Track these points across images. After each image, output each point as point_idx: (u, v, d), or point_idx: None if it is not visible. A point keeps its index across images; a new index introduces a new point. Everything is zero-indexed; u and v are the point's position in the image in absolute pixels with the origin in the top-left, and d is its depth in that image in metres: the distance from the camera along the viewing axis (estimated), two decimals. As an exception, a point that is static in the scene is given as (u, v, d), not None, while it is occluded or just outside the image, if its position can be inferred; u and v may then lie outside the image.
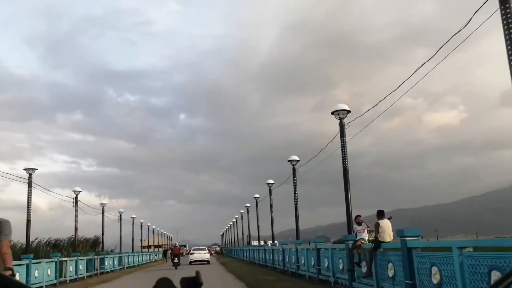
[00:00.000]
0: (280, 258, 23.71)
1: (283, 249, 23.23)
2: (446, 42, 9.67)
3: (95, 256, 28.62)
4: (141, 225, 59.71)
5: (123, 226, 46.78)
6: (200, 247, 44.92)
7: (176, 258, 35.36)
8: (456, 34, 9.26)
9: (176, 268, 32.30)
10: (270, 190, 31.49)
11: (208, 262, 39.51)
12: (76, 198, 28.47)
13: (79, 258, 25.01)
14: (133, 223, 51.98)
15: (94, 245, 36.44)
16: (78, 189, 29.00)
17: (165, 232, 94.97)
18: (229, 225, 79.20)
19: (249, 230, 49.26)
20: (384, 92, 12.25)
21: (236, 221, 62.30)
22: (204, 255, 40.70)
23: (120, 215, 46.38)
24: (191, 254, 42.39)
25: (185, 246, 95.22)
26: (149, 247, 74.23)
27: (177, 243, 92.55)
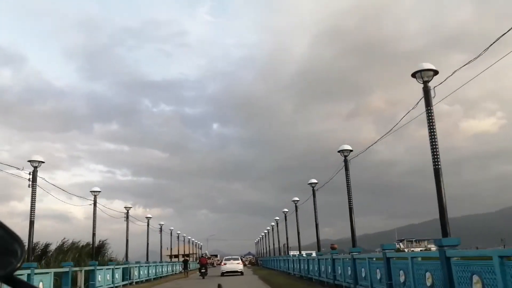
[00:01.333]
0: (329, 270, 20.82)
1: (333, 259, 20.28)
2: (488, 47, 9.26)
3: (78, 269, 20.65)
4: (171, 232, 55.71)
5: (157, 235, 45.62)
6: (233, 257, 42.54)
7: (203, 268, 34.85)
8: (498, 39, 8.93)
9: (203, 278, 31.94)
10: (313, 190, 26.88)
11: (241, 273, 37.14)
12: (127, 214, 31.05)
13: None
14: (161, 230, 48.48)
15: (97, 253, 28.85)
16: (129, 205, 31.99)
17: (195, 241, 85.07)
18: (263, 233, 74.20)
19: (287, 238, 46.01)
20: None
21: (272, 228, 61.36)
22: (237, 265, 38.35)
23: (161, 227, 46.70)
24: (223, 264, 39.59)
25: (216, 255, 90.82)
26: (177, 256, 72.00)
27: (207, 252, 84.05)
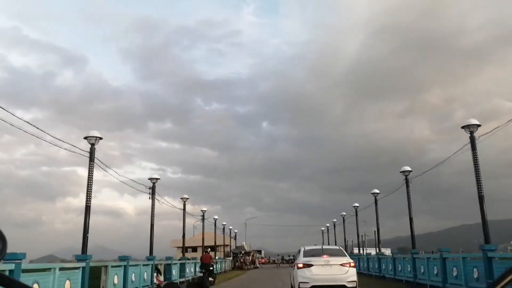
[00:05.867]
0: (409, 268, 21.26)
1: (413, 258, 20.61)
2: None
3: (161, 262, 22.20)
4: (215, 223, 43.84)
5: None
6: (327, 248, 18.02)
7: (204, 270, 23.15)
8: None
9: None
10: (376, 200, 29.70)
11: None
12: (184, 205, 29.62)
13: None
14: (215, 224, 43.73)
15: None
16: (185, 196, 29.96)
17: (233, 229, 61.11)
18: (318, 232, 67.65)
19: (358, 235, 39.69)
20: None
21: (327, 229, 58.67)
22: (341, 271, 15.06)
23: (215, 221, 43.16)
24: (305, 266, 17.10)
25: (260, 251, 77.81)
26: (195, 249, 56.14)
27: (244, 244, 63.71)
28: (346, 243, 46.04)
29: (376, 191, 29.05)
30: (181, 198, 30.02)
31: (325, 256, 14.64)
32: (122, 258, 16.62)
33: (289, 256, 76.48)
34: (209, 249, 29.90)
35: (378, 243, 33.81)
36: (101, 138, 15.04)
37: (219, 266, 36.16)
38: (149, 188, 21.57)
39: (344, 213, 43.91)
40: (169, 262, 23.30)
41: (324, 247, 16.33)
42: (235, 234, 63.65)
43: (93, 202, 14.84)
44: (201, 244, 37.08)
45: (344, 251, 16.52)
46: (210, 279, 23.26)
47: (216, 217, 44.01)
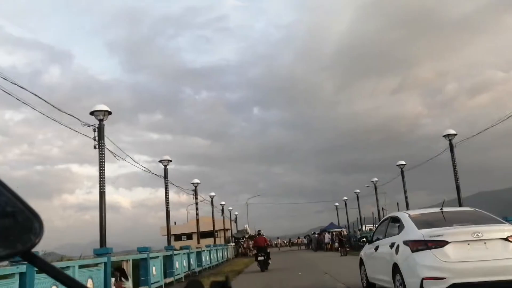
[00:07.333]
0: None
1: None
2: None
3: (156, 254, 15.95)
4: (211, 201, 36.91)
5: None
6: (457, 210, 9.69)
7: (261, 255, 20.85)
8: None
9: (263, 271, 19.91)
10: (451, 144, 22.67)
11: None
12: (195, 190, 28.82)
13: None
14: (212, 203, 36.77)
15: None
16: (196, 181, 29.13)
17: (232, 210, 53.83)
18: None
19: (378, 208, 39.39)
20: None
21: (336, 208, 57.02)
22: (507, 249, 7.08)
23: (212, 200, 36.24)
24: (430, 245, 7.18)
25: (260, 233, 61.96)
26: (190, 236, 50.30)
27: (247, 227, 56.05)
28: (362, 219, 44.81)
29: (402, 162, 28.47)
30: (192, 183, 28.95)
31: (464, 224, 7.66)
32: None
33: (299, 238, 70.49)
34: (261, 231, 26.45)
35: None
36: (110, 113, 12.91)
37: (220, 254, 30.73)
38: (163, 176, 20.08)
39: (357, 191, 42.90)
40: (143, 256, 13.98)
41: (446, 209, 8.49)
42: (236, 217, 55.78)
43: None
44: (196, 231, 29.84)
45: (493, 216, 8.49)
46: (261, 257, 20.81)
47: (213, 193, 37.01)
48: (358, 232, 40.72)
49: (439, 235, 7.18)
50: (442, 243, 7.08)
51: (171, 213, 20.43)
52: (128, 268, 12.66)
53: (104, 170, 12.39)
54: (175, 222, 52.37)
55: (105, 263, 11.06)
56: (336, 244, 36.20)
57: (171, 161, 20.48)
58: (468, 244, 7.07)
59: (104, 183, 12.38)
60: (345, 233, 43.61)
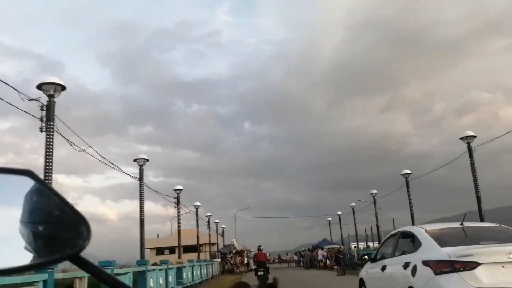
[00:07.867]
0: None
1: None
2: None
3: (123, 270, 13.86)
4: (196, 211, 35.09)
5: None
6: (480, 226, 8.22)
7: (261, 270, 20.80)
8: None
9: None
10: (469, 147, 22.26)
11: None
12: (177, 198, 26.67)
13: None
14: (196, 214, 34.54)
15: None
16: (179, 187, 26.85)
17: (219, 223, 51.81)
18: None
19: (377, 223, 36.93)
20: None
21: (329, 223, 54.77)
22: None
23: (197, 210, 33.73)
24: (457, 267, 5.89)
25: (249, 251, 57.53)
26: (173, 250, 44.58)
27: (234, 241, 51.68)
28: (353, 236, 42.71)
29: (471, 133, 22.31)
30: (174, 190, 26.86)
31: (492, 243, 6.42)
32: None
33: (287, 254, 67.18)
34: (261, 246, 24.87)
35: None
36: (64, 88, 10.94)
37: (204, 271, 28.67)
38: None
39: (353, 205, 41.06)
40: (120, 271, 12.79)
41: (468, 224, 7.02)
42: (223, 230, 52.45)
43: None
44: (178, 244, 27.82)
45: None
46: (261, 272, 20.87)
47: (198, 203, 34.25)
48: (354, 249, 38.34)
49: (468, 255, 5.82)
50: (472, 265, 5.76)
51: (157, 226, 19.69)
52: (82, 288, 9.80)
53: (51, 157, 10.17)
54: (158, 235, 50.45)
55: (45, 282, 8.28)
56: (329, 262, 33.72)
57: (147, 160, 18.25)
58: (503, 266, 5.75)
59: (51, 173, 9.97)
60: (342, 249, 37.78)
